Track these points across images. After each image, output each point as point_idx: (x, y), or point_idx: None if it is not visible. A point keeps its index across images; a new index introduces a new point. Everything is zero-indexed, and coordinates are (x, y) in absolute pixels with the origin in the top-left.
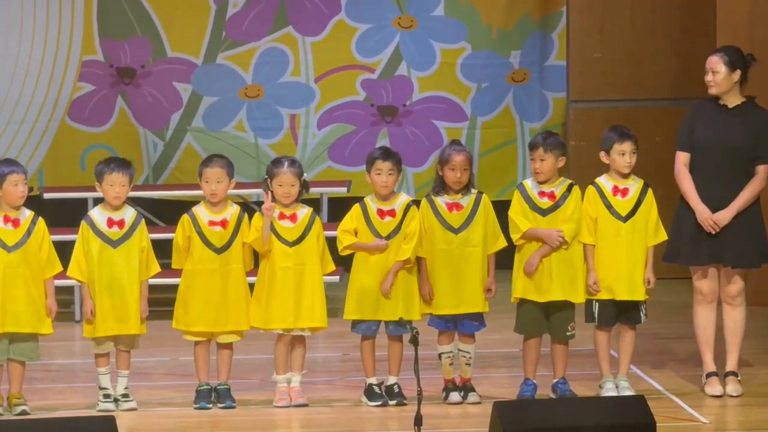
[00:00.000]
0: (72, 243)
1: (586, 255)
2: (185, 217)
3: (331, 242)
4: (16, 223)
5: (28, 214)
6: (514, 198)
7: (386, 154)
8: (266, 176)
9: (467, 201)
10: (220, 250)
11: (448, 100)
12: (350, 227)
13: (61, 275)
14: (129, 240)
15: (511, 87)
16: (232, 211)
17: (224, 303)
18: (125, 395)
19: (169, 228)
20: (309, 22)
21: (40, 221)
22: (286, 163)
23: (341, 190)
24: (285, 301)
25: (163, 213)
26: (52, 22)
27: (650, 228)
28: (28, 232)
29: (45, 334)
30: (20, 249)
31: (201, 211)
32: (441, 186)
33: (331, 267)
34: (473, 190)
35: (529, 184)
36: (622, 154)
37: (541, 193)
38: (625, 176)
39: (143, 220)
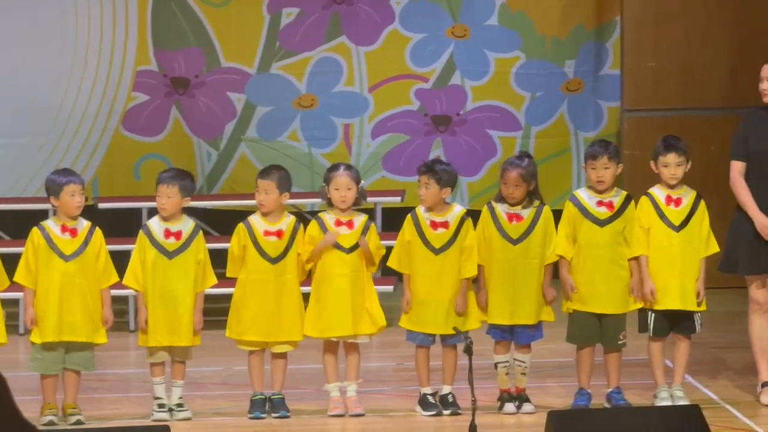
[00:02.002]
0: (126, 253)
1: (640, 265)
2: (241, 226)
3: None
4: (73, 232)
5: (85, 224)
6: (564, 211)
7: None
8: (323, 183)
9: (528, 213)
10: (274, 260)
11: (502, 110)
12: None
13: (117, 285)
14: (185, 252)
15: (565, 96)
16: (288, 221)
17: (278, 313)
18: (180, 405)
19: (222, 238)
20: (363, 32)
21: (98, 231)
22: (342, 167)
23: (395, 200)
24: (343, 309)
25: (217, 223)
26: (106, 33)
27: (702, 239)
28: (86, 242)
29: (100, 344)
30: (77, 258)
31: (256, 221)
32: (501, 196)
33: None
34: (536, 202)
35: (582, 194)
36: (666, 166)
37: (599, 203)
38: (674, 187)
39: (201, 232)
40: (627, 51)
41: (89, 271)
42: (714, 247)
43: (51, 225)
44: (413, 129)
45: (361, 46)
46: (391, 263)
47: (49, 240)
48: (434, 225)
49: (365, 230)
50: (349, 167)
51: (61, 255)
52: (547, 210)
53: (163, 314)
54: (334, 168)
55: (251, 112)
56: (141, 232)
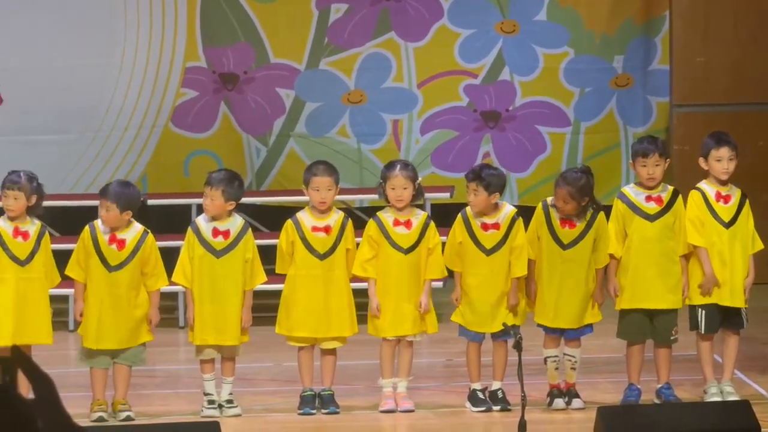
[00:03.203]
0: (175, 249)
1: (700, 257)
2: (289, 222)
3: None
4: (121, 244)
5: (135, 232)
6: (613, 209)
7: (326, 168)
8: (380, 180)
9: (581, 220)
10: (323, 256)
11: (551, 105)
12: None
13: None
14: (233, 251)
15: (614, 92)
16: (336, 217)
17: (327, 309)
18: (230, 401)
19: (272, 234)
20: (411, 28)
21: (149, 239)
22: (398, 166)
23: (444, 196)
24: (402, 308)
25: (266, 219)
26: (155, 30)
27: (748, 237)
28: (135, 250)
29: (145, 342)
30: (123, 270)
31: (305, 217)
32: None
33: (444, 272)
34: (590, 210)
35: (630, 191)
36: (719, 161)
37: (648, 198)
38: (724, 183)
39: (250, 230)
40: (676, 46)
41: (135, 280)
42: (759, 245)
43: (101, 229)
44: (462, 125)
45: (410, 41)
46: (444, 261)
47: (96, 245)
48: (485, 227)
49: (425, 228)
50: (405, 166)
51: (106, 264)
52: (601, 216)
53: (210, 312)
54: (390, 167)
55: (300, 108)
56: (189, 229)
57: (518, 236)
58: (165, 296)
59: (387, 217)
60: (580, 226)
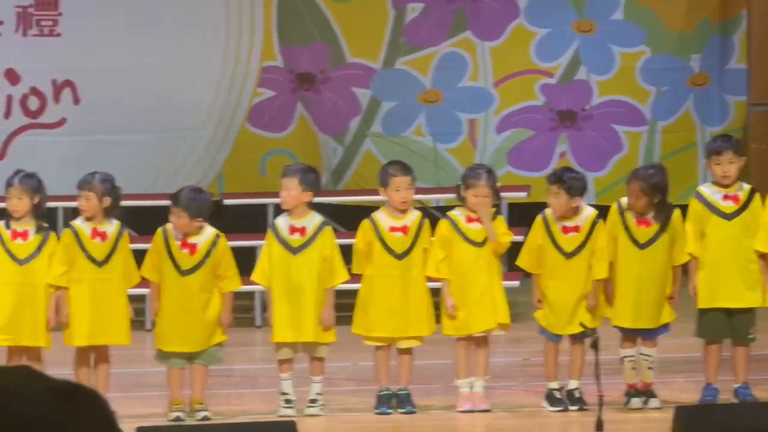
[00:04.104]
0: (251, 249)
1: None
2: (366, 222)
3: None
4: (193, 249)
5: (207, 237)
6: (690, 209)
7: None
8: (461, 183)
9: (657, 219)
10: (400, 256)
11: (628, 104)
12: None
13: (245, 280)
14: (309, 248)
15: (691, 91)
16: (413, 217)
17: (404, 308)
18: (313, 401)
19: (348, 233)
20: (488, 27)
21: (221, 242)
22: (484, 175)
23: (521, 195)
24: (483, 303)
25: (343, 218)
26: (232, 29)
27: None
28: (207, 254)
29: (219, 342)
30: (195, 274)
31: (381, 217)
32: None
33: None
34: (665, 210)
35: (705, 190)
36: None
37: (725, 197)
38: None
39: (328, 228)
40: (754, 45)
41: (208, 283)
42: None
43: (173, 234)
44: (538, 124)
45: (486, 41)
46: (521, 263)
47: (168, 249)
48: (565, 230)
49: (493, 218)
50: (490, 175)
51: (178, 268)
52: (676, 214)
53: (287, 310)
54: (476, 174)
55: (376, 108)
56: (269, 228)
57: (599, 239)
58: (241, 296)
59: (459, 214)
60: (656, 224)
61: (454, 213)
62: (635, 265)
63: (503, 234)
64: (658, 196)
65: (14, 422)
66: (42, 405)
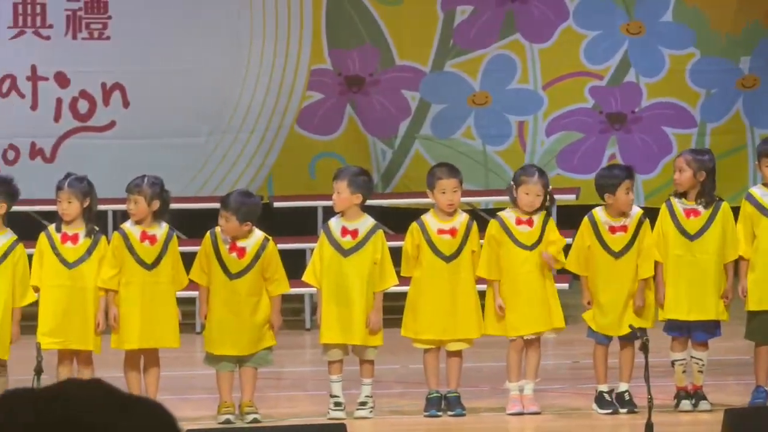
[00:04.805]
0: (300, 252)
1: None
2: (414, 225)
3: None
4: (241, 252)
5: (255, 240)
6: (741, 211)
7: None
8: (512, 182)
9: (705, 209)
10: (449, 259)
11: (677, 107)
12: (580, 244)
13: (294, 283)
14: (361, 250)
15: (740, 93)
16: (461, 219)
17: (453, 311)
18: (363, 403)
19: (397, 236)
20: (537, 29)
21: (269, 246)
22: (536, 174)
23: (570, 198)
24: (533, 305)
25: (392, 221)
26: (281, 32)
27: None
28: (256, 258)
29: (269, 346)
30: (244, 277)
31: (430, 220)
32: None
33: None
34: (713, 198)
35: (758, 192)
36: None
37: None
38: None
39: (380, 231)
40: None
41: (257, 286)
42: None
43: (221, 237)
44: (588, 127)
45: (535, 43)
46: (570, 265)
47: (216, 252)
48: (612, 229)
49: (544, 225)
50: (542, 174)
51: (227, 272)
52: (725, 207)
53: (336, 312)
54: (528, 172)
55: (425, 110)
56: (322, 230)
57: (646, 237)
58: (291, 298)
59: (509, 216)
60: (705, 215)
61: (504, 214)
62: (687, 258)
63: (557, 252)
64: (702, 174)
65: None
66: (110, 415)
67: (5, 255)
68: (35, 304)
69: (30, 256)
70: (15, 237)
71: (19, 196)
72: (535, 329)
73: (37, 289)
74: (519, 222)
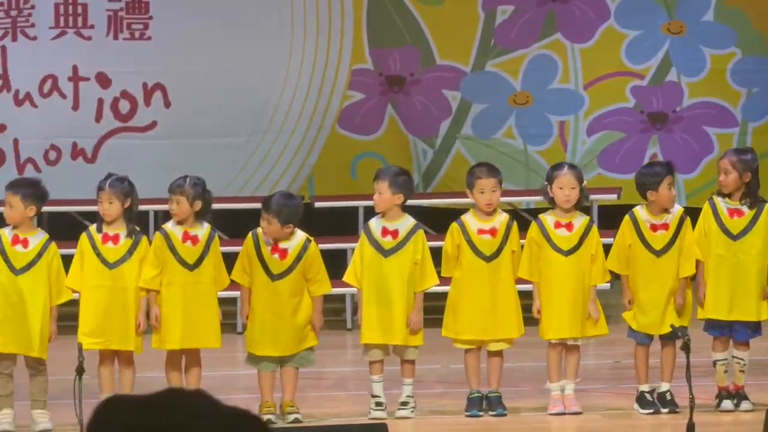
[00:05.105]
0: (341, 252)
1: None
2: (454, 225)
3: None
4: (283, 254)
5: (297, 241)
6: None
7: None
8: (546, 182)
9: (749, 209)
10: (489, 258)
11: (719, 106)
12: (622, 243)
13: (335, 283)
14: (401, 250)
15: None
16: (501, 219)
17: (493, 311)
18: (404, 403)
19: (438, 236)
20: (578, 29)
21: (311, 247)
22: (566, 166)
23: (611, 198)
24: (572, 310)
25: (433, 221)
26: (322, 32)
27: None
28: (298, 259)
29: (311, 347)
30: (285, 279)
31: (470, 220)
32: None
33: (607, 277)
34: (757, 198)
35: None
36: None
37: None
38: None
39: (420, 231)
40: None
41: (297, 287)
42: None
43: (263, 239)
44: (629, 126)
45: (577, 43)
46: (611, 265)
47: (258, 253)
48: (654, 228)
49: (586, 232)
50: (573, 167)
51: (269, 273)
52: None
53: (377, 312)
54: (558, 167)
55: (466, 110)
56: (363, 230)
57: (687, 235)
58: (333, 299)
59: (548, 219)
60: (749, 215)
61: (545, 216)
62: (730, 257)
63: (596, 244)
64: (747, 175)
65: None
66: (220, 427)
67: (39, 255)
68: (75, 304)
69: (68, 256)
70: (47, 236)
71: (48, 197)
72: (568, 335)
73: (76, 291)
74: (558, 225)
